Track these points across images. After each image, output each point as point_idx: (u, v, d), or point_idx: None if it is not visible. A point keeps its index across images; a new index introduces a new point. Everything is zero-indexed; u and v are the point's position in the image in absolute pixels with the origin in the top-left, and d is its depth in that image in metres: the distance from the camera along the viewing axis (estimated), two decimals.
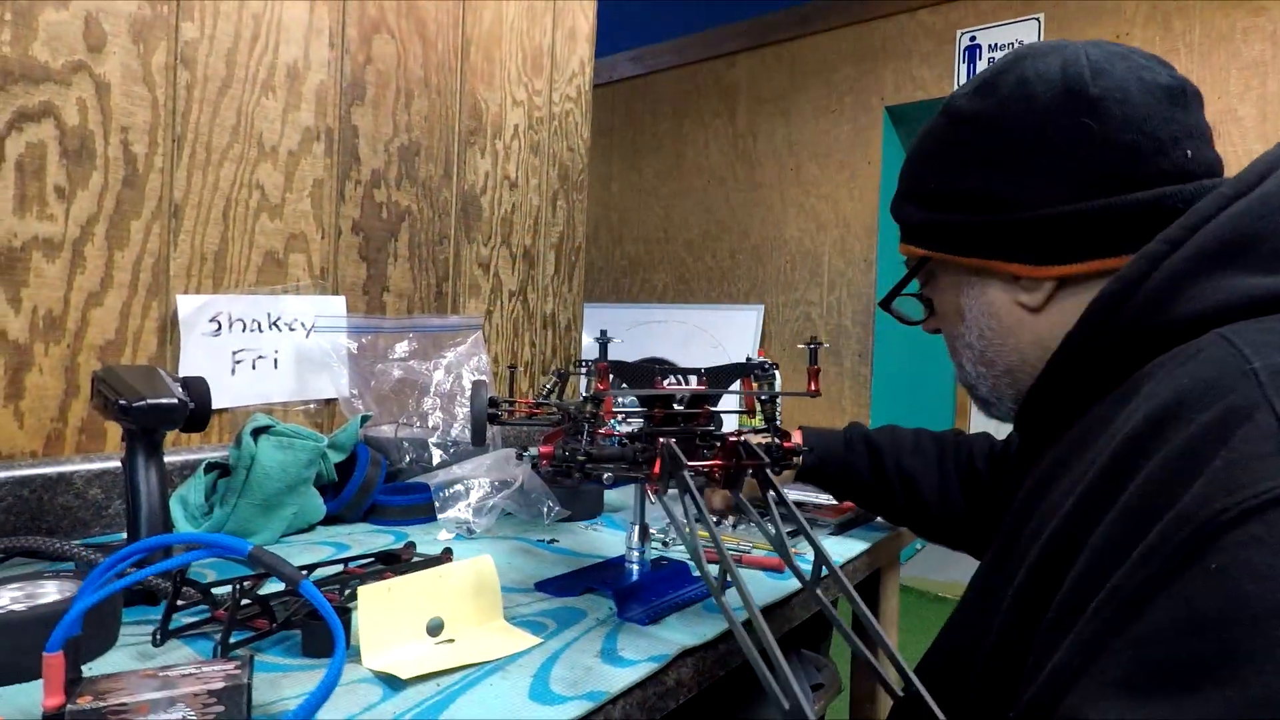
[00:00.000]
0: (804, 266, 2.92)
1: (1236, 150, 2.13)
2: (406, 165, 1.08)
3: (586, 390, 0.54)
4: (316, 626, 0.51)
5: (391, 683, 0.47)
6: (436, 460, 0.97)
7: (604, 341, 0.50)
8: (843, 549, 0.83)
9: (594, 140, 3.47)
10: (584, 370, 0.65)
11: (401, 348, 1.04)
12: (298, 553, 0.74)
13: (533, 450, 0.54)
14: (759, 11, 2.98)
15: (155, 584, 0.54)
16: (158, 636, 0.49)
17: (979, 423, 2.88)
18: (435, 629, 0.53)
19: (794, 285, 2.95)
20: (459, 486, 0.88)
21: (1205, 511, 0.31)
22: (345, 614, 0.51)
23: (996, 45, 2.52)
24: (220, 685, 0.40)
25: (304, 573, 0.44)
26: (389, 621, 0.51)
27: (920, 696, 0.37)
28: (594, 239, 3.51)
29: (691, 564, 0.78)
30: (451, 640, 0.53)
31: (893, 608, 1.03)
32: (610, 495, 1.00)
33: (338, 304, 0.99)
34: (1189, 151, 0.47)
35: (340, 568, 0.65)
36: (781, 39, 2.98)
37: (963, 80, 2.51)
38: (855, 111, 2.81)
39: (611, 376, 0.57)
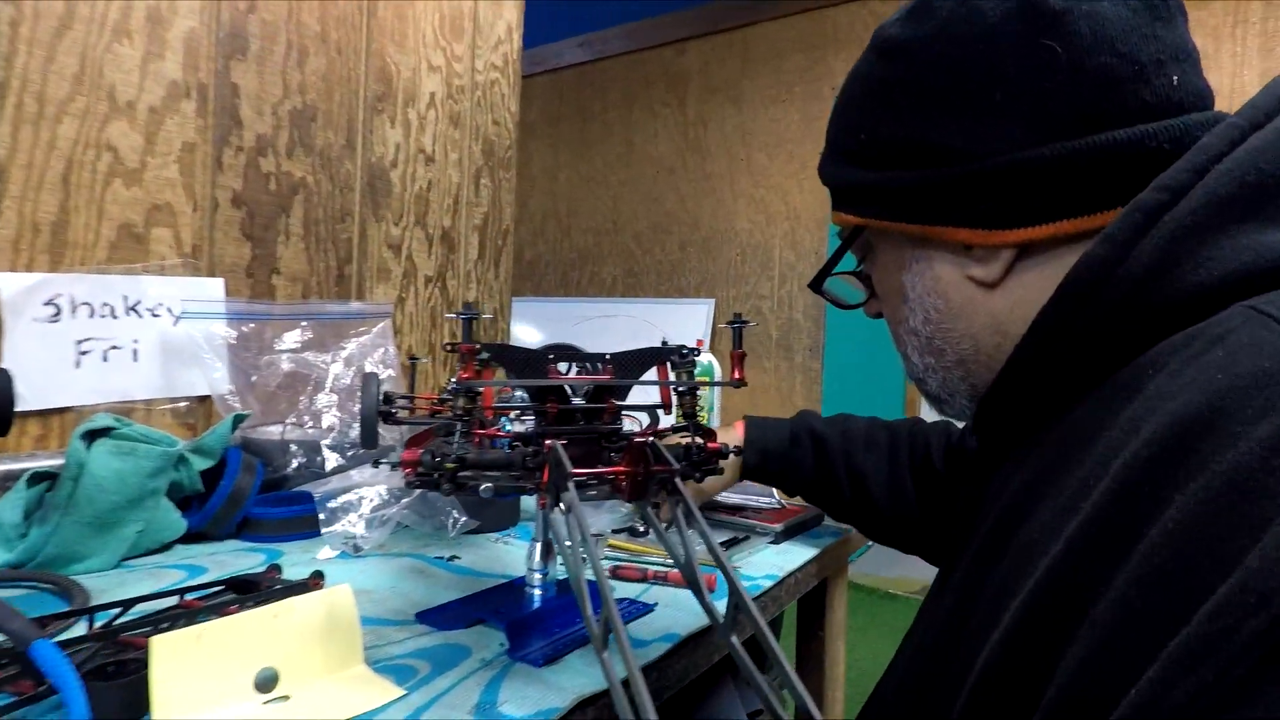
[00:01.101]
0: (754, 259, 2.85)
1: None
2: (300, 132, 0.95)
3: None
4: (103, 688, 0.39)
5: None
6: (330, 465, 0.85)
7: (469, 317, 0.40)
8: (784, 560, 0.74)
9: (541, 130, 3.37)
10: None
11: (292, 338, 0.92)
12: (137, 579, 0.62)
13: (393, 456, 0.43)
14: None
15: None
16: None
17: (933, 418, 2.86)
18: (266, 683, 0.42)
19: (745, 278, 2.87)
20: (350, 496, 0.76)
21: None
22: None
23: None
24: None
25: (44, 628, 0.32)
26: (199, 677, 0.40)
27: None
28: (541, 232, 3.39)
29: (612, 584, 0.68)
30: (286, 697, 0.42)
31: (840, 619, 0.95)
32: (528, 502, 0.89)
33: (214, 286, 0.87)
34: (1175, 77, 0.38)
35: (175, 600, 0.54)
36: (733, 25, 2.90)
37: None
38: (805, 101, 2.74)
39: (497, 365, 0.46)
